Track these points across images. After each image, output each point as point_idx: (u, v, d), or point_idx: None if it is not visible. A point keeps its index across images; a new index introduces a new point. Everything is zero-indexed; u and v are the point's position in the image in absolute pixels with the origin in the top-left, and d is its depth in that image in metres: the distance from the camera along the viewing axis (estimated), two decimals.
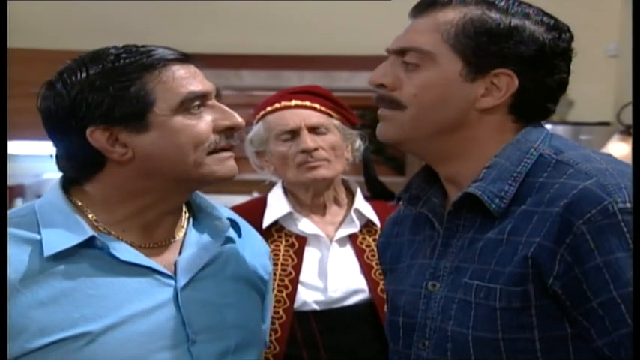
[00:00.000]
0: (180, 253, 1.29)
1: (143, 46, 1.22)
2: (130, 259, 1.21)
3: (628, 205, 1.05)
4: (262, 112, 1.91)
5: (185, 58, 1.24)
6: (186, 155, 1.20)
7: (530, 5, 1.19)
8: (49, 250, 1.17)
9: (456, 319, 1.14)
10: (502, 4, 1.16)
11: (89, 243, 1.19)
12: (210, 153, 1.22)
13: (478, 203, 1.15)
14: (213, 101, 1.25)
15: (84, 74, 1.19)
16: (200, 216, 1.34)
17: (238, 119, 1.25)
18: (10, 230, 1.18)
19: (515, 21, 1.15)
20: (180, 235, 1.30)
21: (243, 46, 3.96)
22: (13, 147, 3.71)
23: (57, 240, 1.18)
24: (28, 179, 3.96)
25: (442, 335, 1.15)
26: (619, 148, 3.51)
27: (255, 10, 3.96)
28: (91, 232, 1.19)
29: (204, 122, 1.22)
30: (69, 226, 1.19)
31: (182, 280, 1.25)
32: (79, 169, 1.24)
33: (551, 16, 1.19)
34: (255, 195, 3.73)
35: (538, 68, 1.16)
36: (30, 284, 1.15)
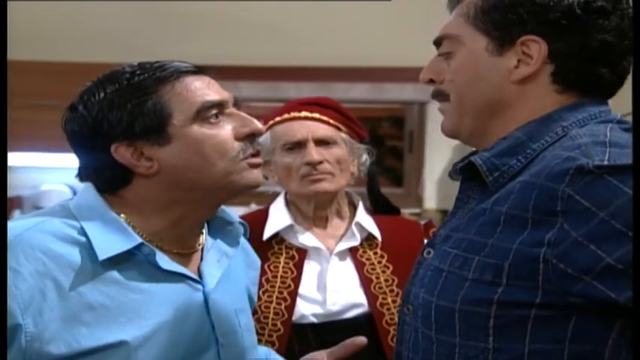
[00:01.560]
0: (201, 257, 1.32)
1: (157, 62, 1.24)
2: (169, 268, 1.24)
3: (606, 162, 0.99)
4: (271, 122, 1.91)
5: (198, 70, 1.26)
6: (214, 165, 1.22)
7: None
8: (103, 254, 1.18)
9: (427, 286, 1.13)
10: None
11: (133, 249, 1.21)
12: (243, 160, 1.24)
13: (478, 172, 1.12)
14: (231, 109, 1.26)
15: (102, 94, 1.22)
16: (212, 220, 1.36)
17: (258, 125, 1.26)
18: (57, 229, 1.18)
19: None
20: (201, 240, 1.34)
21: (240, 57, 3.96)
22: (12, 158, 3.71)
23: (108, 244, 1.19)
24: (26, 190, 3.95)
25: (417, 302, 1.14)
26: None
27: (253, 21, 3.96)
28: (139, 239, 1.21)
29: (225, 131, 1.24)
30: (116, 232, 1.20)
31: (210, 285, 1.28)
32: (108, 184, 1.25)
33: None
34: (254, 206, 3.73)
35: (570, 30, 1.10)
36: (81, 287, 1.16)
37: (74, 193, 3.91)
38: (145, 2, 3.92)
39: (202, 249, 1.33)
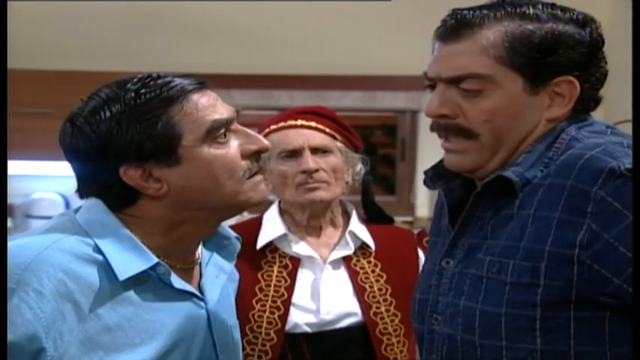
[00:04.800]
0: (200, 272, 1.30)
1: (159, 77, 1.20)
2: (180, 287, 1.22)
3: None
4: (267, 130, 1.90)
5: (202, 85, 1.22)
6: (223, 185, 1.20)
7: (553, 5, 1.19)
8: (122, 275, 1.16)
9: (468, 294, 1.16)
10: (531, 11, 1.16)
11: (148, 269, 1.19)
12: (249, 178, 1.22)
13: (507, 185, 1.16)
14: (236, 126, 1.24)
15: (107, 114, 1.17)
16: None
17: (264, 142, 1.24)
18: (75, 248, 1.15)
19: (553, 27, 1.16)
20: (198, 254, 1.32)
21: (233, 66, 3.96)
22: None
23: (126, 264, 1.17)
24: (18, 199, 3.92)
25: (454, 310, 1.17)
26: None
27: (245, 30, 3.96)
28: (156, 259, 1.19)
29: (234, 149, 1.22)
30: (131, 250, 1.18)
31: (212, 303, 1.27)
32: (113, 203, 1.22)
33: (573, 11, 1.19)
34: (245, 215, 3.71)
35: (589, 66, 1.18)
36: (100, 309, 1.14)
37: (66, 201, 3.92)
38: (138, 11, 3.91)
39: (200, 263, 1.31)
